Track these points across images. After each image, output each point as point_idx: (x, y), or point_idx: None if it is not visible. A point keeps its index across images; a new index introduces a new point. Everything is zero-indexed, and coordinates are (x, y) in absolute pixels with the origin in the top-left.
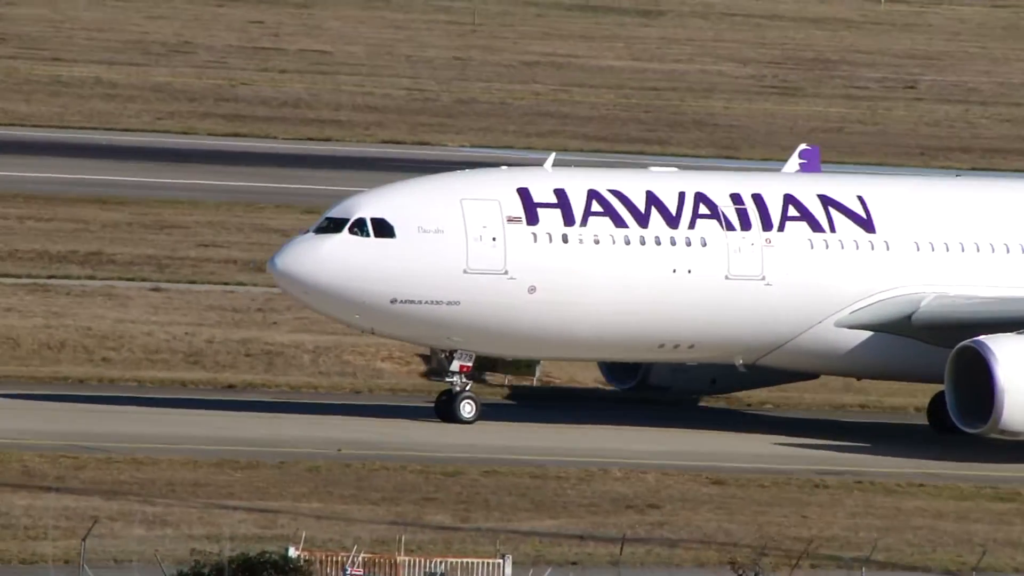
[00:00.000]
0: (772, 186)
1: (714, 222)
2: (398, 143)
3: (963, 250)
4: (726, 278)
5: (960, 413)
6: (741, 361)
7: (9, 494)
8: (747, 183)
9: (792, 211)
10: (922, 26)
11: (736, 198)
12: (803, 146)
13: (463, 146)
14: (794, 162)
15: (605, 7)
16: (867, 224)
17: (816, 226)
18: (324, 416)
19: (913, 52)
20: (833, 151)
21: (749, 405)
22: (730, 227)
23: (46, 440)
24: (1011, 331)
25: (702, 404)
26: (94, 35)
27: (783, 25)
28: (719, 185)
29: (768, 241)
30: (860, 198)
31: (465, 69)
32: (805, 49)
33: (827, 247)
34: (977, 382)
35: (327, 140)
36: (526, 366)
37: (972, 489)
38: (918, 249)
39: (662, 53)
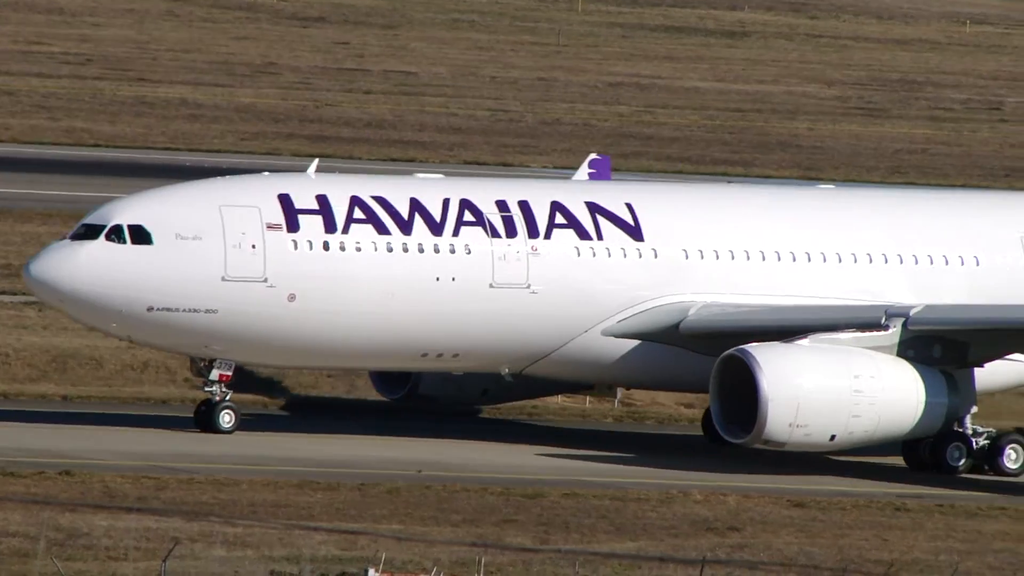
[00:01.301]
0: (539, 193)
1: (479, 229)
2: (481, 164)
3: (733, 258)
4: (491, 286)
5: (726, 423)
6: (507, 370)
7: (91, 514)
8: (514, 190)
9: (559, 218)
10: (1007, 48)
11: (502, 205)
12: (593, 155)
13: (546, 167)
14: (584, 171)
15: (690, 28)
16: (635, 232)
17: (583, 234)
18: (405, 438)
19: (998, 73)
20: (918, 172)
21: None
22: (496, 234)
23: (128, 460)
24: (779, 340)
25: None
26: (179, 56)
27: (868, 46)
28: (485, 192)
29: (534, 249)
30: (629, 206)
31: (549, 90)
32: (890, 71)
33: (594, 255)
34: (743, 391)
35: (411, 161)
36: (607, 388)
37: None
38: (687, 257)
39: (747, 74)
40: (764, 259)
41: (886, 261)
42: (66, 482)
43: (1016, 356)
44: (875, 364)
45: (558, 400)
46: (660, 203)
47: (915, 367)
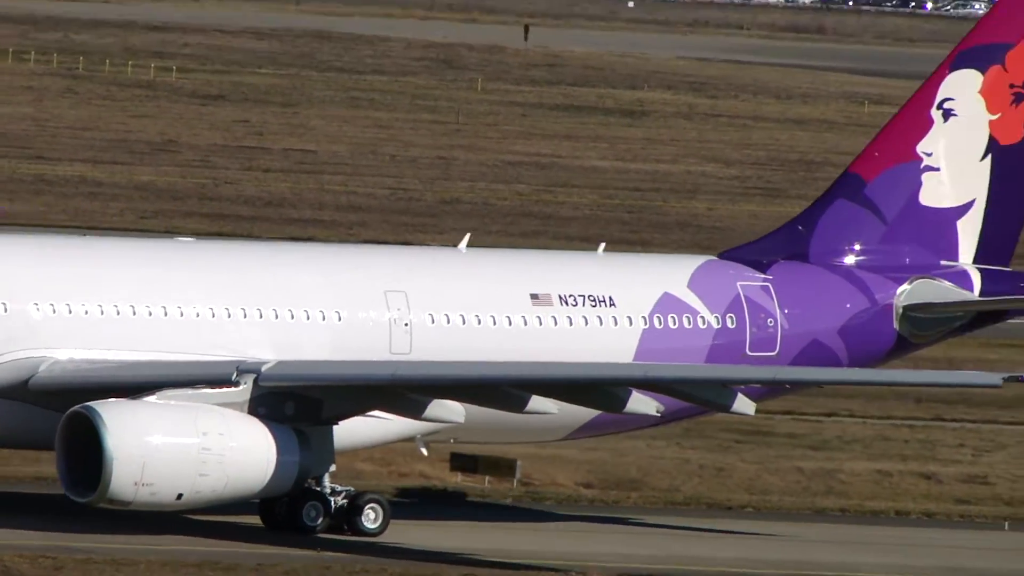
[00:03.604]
0: None
1: None
2: (381, 243)
3: (87, 313)
4: None
5: (73, 481)
6: None
7: None
8: None
9: None
10: None
11: None
12: None
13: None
14: None
15: (589, 107)
16: None
17: None
18: None
19: None
20: None
21: None
22: None
23: (26, 540)
24: (132, 396)
25: None
26: (78, 134)
27: (767, 126)
28: None
29: None
30: None
31: (449, 168)
32: (788, 151)
33: None
34: (92, 449)
35: (310, 239)
36: (507, 467)
37: None
38: (39, 311)
39: (646, 153)
40: (119, 314)
41: (245, 316)
42: None
43: (379, 413)
44: (224, 421)
45: (456, 479)
46: (9, 257)
47: (267, 424)
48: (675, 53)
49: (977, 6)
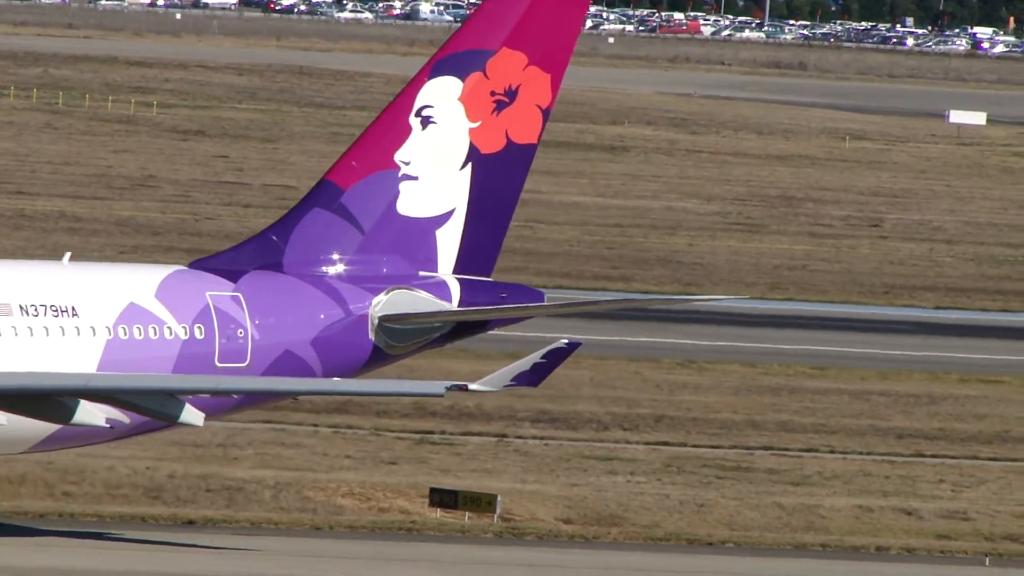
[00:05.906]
0: None
1: None
2: None
3: None
4: None
5: None
6: None
7: None
8: None
9: None
10: (887, 164)
11: None
12: None
13: None
14: None
15: (570, 143)
16: None
17: None
18: (284, 553)
19: (878, 190)
20: (798, 288)
21: None
22: None
23: (3, 575)
24: None
25: None
26: (58, 169)
27: (748, 162)
28: None
29: None
30: None
31: None
32: (769, 186)
33: None
34: None
35: None
36: (487, 503)
37: None
38: None
39: (626, 189)
40: None
41: None
42: None
43: None
44: None
45: (436, 514)
46: None
47: None
48: (656, 89)
49: (958, 43)
